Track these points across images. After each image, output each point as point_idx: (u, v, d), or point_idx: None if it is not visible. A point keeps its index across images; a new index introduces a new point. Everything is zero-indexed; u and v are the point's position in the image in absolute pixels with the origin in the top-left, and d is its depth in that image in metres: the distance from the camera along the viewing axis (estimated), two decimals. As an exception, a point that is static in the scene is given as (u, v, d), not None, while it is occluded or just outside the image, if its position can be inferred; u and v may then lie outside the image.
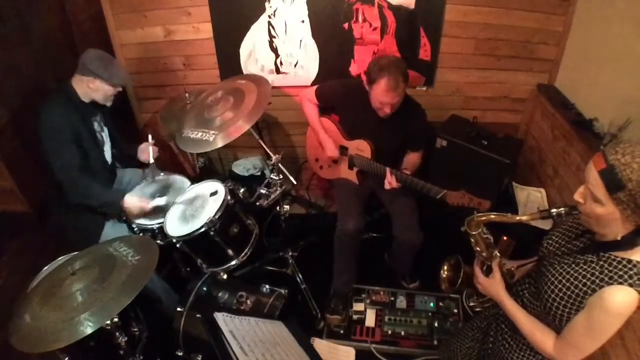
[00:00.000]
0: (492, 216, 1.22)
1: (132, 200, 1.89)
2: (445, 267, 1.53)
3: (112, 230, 1.96)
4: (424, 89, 2.58)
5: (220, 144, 1.83)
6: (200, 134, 1.91)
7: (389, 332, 2.13)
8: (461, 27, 2.37)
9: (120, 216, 1.99)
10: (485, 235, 1.28)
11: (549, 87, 2.52)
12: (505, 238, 2.12)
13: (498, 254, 1.29)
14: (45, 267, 1.67)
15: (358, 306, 2.24)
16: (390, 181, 1.96)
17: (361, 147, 2.14)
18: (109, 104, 1.89)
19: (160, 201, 1.97)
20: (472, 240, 1.29)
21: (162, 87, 2.68)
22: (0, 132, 2.59)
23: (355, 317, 2.20)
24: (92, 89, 1.79)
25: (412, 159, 2.15)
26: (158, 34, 2.46)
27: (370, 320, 2.18)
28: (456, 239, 2.24)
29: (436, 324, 2.16)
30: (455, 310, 2.23)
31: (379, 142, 2.10)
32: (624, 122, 1.82)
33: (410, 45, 2.41)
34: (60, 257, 1.68)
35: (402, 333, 2.13)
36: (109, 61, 1.80)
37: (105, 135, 2.00)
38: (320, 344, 2.04)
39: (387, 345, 2.08)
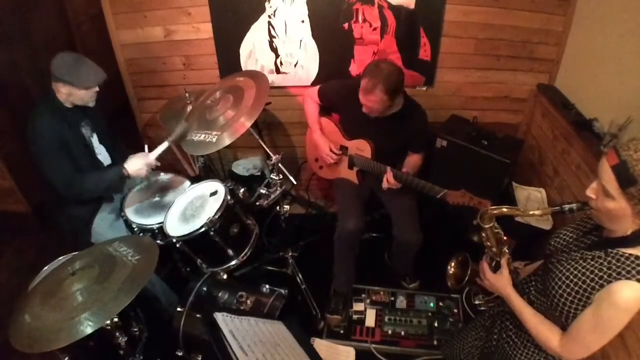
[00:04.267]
0: (505, 210, 1.23)
1: (134, 164, 1.85)
2: (453, 264, 1.52)
3: (104, 222, 1.96)
4: (424, 89, 2.58)
5: (227, 141, 1.83)
6: (204, 135, 1.90)
7: (389, 332, 2.13)
8: (461, 27, 2.37)
9: (120, 213, 2.00)
10: (497, 230, 1.28)
11: (549, 87, 2.52)
12: (505, 238, 2.12)
13: (507, 250, 1.29)
14: (45, 267, 1.67)
15: (358, 306, 2.24)
16: (389, 179, 1.96)
17: (361, 147, 2.14)
18: (91, 104, 1.83)
19: (161, 149, 1.92)
20: (483, 234, 1.29)
21: (162, 87, 2.67)
22: (1, 132, 2.60)
23: (355, 317, 2.20)
24: (65, 94, 1.74)
25: (412, 160, 2.15)
26: (158, 34, 2.46)
27: (370, 320, 2.18)
28: (456, 239, 2.26)
29: (436, 324, 2.16)
30: (455, 310, 2.23)
31: (378, 143, 2.10)
32: (624, 122, 1.82)
33: (410, 45, 2.41)
34: (60, 257, 1.68)
35: (402, 333, 2.13)
36: (76, 64, 1.71)
37: (96, 139, 1.96)
38: (320, 344, 2.04)
39: (387, 345, 2.08)
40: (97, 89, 1.80)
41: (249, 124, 1.85)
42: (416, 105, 2.09)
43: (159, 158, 1.96)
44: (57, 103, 1.77)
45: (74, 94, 1.75)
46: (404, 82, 1.91)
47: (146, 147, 2.01)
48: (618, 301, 0.93)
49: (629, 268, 0.93)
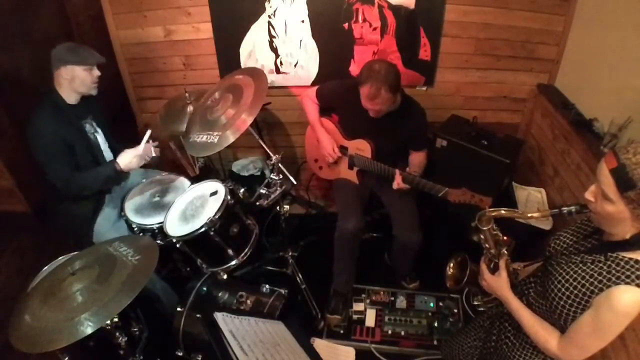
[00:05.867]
0: (503, 212, 1.22)
1: (126, 158, 1.88)
2: (452, 265, 1.52)
3: (106, 221, 1.96)
4: (424, 89, 2.58)
5: (230, 139, 1.83)
6: (206, 137, 1.91)
7: (389, 332, 2.13)
8: (461, 27, 2.37)
9: (120, 211, 2.00)
10: (495, 232, 1.27)
11: (549, 87, 2.52)
12: (505, 238, 2.12)
13: (506, 252, 1.29)
14: (45, 267, 1.67)
15: (358, 306, 2.24)
16: (399, 183, 1.96)
17: (361, 147, 2.14)
18: (94, 92, 1.84)
19: (145, 138, 1.93)
20: (481, 236, 1.28)
21: (162, 87, 2.67)
22: (0, 132, 2.60)
23: (355, 317, 2.20)
24: (68, 79, 1.74)
25: (417, 158, 2.15)
26: (158, 34, 2.46)
27: (370, 320, 2.18)
28: (456, 239, 2.26)
29: (436, 324, 2.16)
30: (455, 310, 2.23)
31: (378, 142, 2.10)
32: (624, 122, 1.82)
33: (410, 45, 2.41)
34: (60, 257, 1.68)
35: (402, 333, 2.13)
36: (77, 46, 1.77)
37: (100, 136, 1.97)
38: (320, 344, 2.04)
39: (387, 345, 2.08)
40: (98, 73, 1.81)
41: (250, 120, 1.85)
42: (414, 103, 2.09)
43: (158, 154, 1.99)
44: (59, 100, 1.77)
45: (76, 76, 1.75)
46: (400, 76, 1.91)
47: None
48: (617, 306, 0.93)
49: (628, 272, 0.93)
